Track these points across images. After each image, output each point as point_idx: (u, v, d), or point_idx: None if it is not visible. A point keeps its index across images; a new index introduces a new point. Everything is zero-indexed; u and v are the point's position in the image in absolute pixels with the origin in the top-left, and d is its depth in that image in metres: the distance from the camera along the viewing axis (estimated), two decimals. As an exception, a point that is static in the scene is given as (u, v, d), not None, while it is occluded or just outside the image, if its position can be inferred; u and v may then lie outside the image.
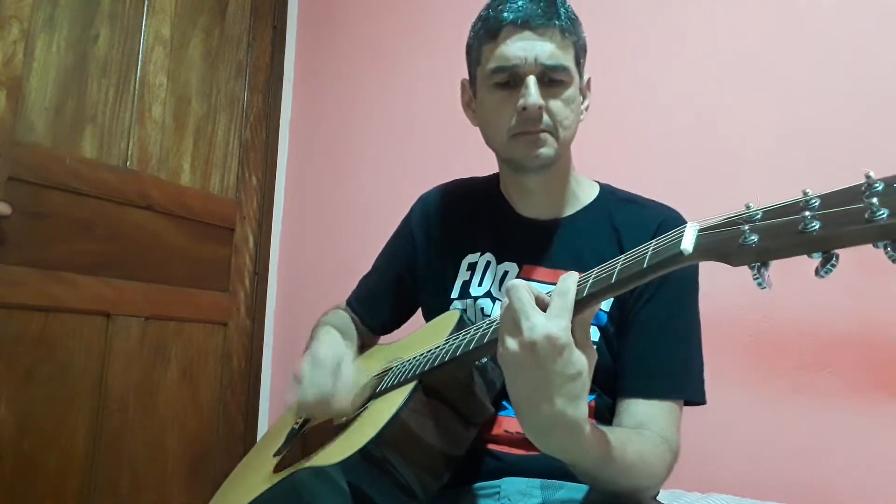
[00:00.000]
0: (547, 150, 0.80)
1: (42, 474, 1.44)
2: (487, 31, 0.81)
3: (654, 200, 0.89)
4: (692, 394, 0.79)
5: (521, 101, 0.77)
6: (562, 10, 0.80)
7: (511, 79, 0.79)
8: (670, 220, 0.84)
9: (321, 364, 0.79)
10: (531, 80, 0.77)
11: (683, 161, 1.39)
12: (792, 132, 1.27)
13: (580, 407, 0.54)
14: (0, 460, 1.37)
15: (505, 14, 0.79)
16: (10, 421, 1.40)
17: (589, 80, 0.89)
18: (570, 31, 0.81)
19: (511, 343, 0.54)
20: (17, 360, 1.42)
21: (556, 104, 0.80)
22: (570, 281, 0.55)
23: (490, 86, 0.82)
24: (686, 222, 0.83)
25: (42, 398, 1.46)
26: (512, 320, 0.54)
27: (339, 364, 0.80)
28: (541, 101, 0.77)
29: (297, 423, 0.94)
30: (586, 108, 0.89)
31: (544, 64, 0.78)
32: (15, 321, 1.43)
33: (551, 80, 0.79)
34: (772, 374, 1.22)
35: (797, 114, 1.28)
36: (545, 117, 0.79)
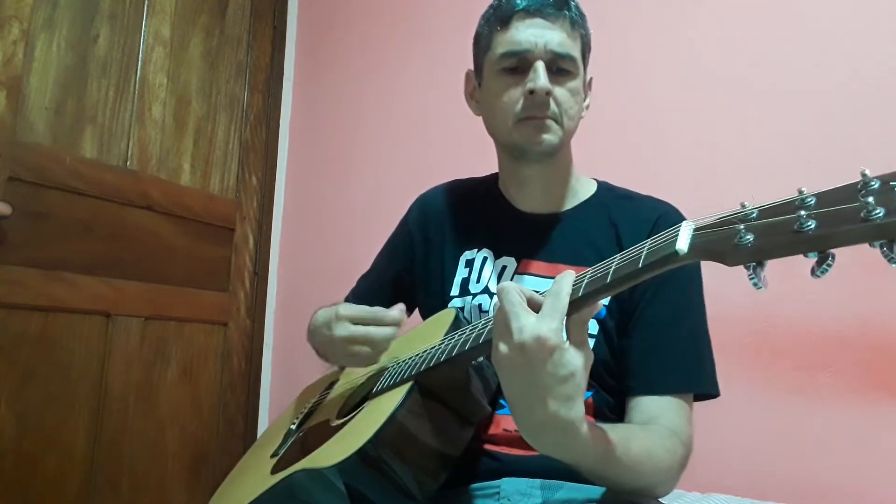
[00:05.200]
0: (551, 137, 0.81)
1: (42, 474, 1.44)
2: (499, 17, 0.82)
3: (650, 196, 0.89)
4: (703, 386, 0.78)
5: (529, 85, 0.78)
6: (572, 3, 0.82)
7: (520, 64, 0.80)
8: (668, 214, 0.83)
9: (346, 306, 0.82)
10: (540, 65, 0.78)
11: (683, 161, 1.39)
12: (792, 132, 1.27)
13: (574, 407, 0.54)
14: (0, 460, 1.37)
15: (517, 1, 0.80)
16: (10, 421, 1.40)
17: (591, 79, 0.90)
18: (579, 24, 0.83)
19: (502, 345, 0.54)
20: (17, 360, 1.42)
21: (562, 93, 0.81)
22: (564, 282, 0.54)
23: (498, 71, 0.82)
24: (683, 217, 0.84)
25: (42, 398, 1.46)
26: (503, 322, 0.54)
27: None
28: (549, 86, 0.78)
29: (293, 423, 0.94)
30: (587, 107, 0.89)
31: (554, 51, 0.79)
32: (15, 321, 1.43)
33: (559, 68, 0.80)
34: (772, 374, 1.22)
35: (797, 113, 1.27)
36: (551, 104, 0.80)
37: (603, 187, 0.92)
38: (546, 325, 0.51)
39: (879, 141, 1.17)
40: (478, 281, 0.88)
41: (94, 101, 1.63)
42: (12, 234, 1.43)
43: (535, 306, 0.54)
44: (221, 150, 1.98)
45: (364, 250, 1.13)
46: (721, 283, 0.93)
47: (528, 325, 0.52)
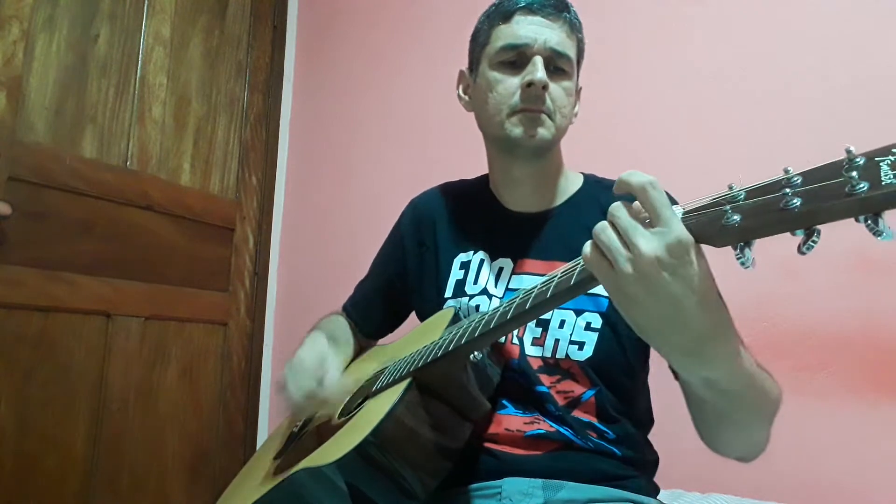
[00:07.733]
0: (544, 132, 0.81)
1: (42, 474, 1.44)
2: (500, 12, 0.83)
3: None
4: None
5: (527, 77, 0.79)
6: (571, 9, 0.84)
7: (518, 58, 0.81)
8: None
9: (302, 366, 0.83)
10: (538, 60, 0.79)
11: (680, 162, 1.39)
12: (791, 132, 1.27)
13: (725, 308, 0.52)
14: (0, 460, 1.37)
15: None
16: (10, 421, 1.40)
17: (580, 89, 0.90)
18: (577, 28, 0.85)
19: (627, 266, 0.47)
20: (17, 360, 1.42)
21: (557, 90, 0.82)
22: (659, 191, 0.48)
23: (496, 63, 0.83)
24: (673, 200, 0.84)
25: (42, 398, 1.46)
26: (625, 241, 0.48)
27: (321, 362, 0.82)
28: (546, 80, 0.79)
29: (296, 426, 0.94)
30: (575, 114, 0.90)
31: (553, 48, 0.80)
32: (15, 321, 1.43)
33: (556, 67, 0.82)
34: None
35: (796, 114, 1.27)
36: (547, 99, 0.80)
37: (589, 180, 0.92)
38: (679, 226, 0.46)
39: (880, 142, 1.17)
40: (475, 282, 0.88)
41: (94, 101, 1.63)
42: (12, 234, 1.43)
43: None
44: (221, 150, 1.98)
45: (364, 251, 1.13)
46: (720, 284, 0.93)
47: (659, 234, 0.46)
